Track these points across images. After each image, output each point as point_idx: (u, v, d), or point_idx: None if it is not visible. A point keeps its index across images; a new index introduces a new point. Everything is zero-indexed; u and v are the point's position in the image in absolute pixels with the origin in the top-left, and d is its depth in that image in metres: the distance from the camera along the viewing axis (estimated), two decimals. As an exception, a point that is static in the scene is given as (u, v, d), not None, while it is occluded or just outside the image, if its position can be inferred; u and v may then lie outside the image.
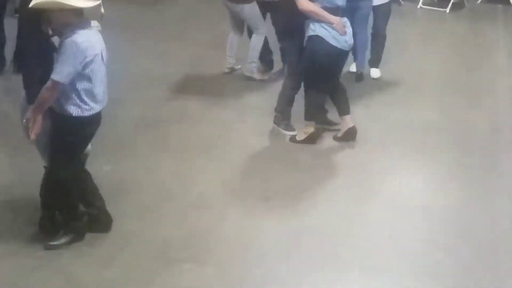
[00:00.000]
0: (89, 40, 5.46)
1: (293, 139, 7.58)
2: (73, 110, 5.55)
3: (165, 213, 6.33)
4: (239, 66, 9.06)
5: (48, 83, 5.38)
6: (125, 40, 9.60)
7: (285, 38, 7.67)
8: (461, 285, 5.50)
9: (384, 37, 8.68)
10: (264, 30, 8.82)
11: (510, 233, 6.14)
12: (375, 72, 9.10)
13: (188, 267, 5.62)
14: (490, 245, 5.98)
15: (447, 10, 11.13)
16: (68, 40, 5.37)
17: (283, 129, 7.70)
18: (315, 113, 7.55)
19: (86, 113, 5.60)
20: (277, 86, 8.32)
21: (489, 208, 6.48)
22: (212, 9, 8.75)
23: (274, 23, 7.84)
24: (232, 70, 9.18)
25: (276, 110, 7.73)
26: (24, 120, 5.57)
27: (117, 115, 7.92)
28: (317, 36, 7.06)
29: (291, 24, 7.39)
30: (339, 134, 7.55)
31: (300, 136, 7.55)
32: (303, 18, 7.15)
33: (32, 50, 5.70)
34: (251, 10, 8.69)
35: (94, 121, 5.73)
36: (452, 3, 11.18)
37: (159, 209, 6.38)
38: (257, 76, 9.01)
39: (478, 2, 11.56)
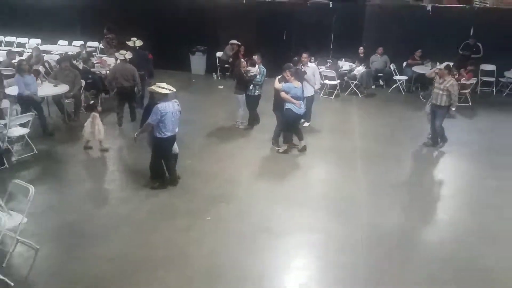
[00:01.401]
0: (164, 106, 5.53)
1: (278, 151, 7.36)
2: (157, 134, 5.65)
3: (213, 183, 6.26)
4: (245, 122, 8.53)
5: (147, 123, 5.60)
6: (197, 107, 9.59)
7: (277, 109, 7.41)
8: (345, 220, 5.46)
9: (310, 110, 8.55)
10: (245, 108, 8.29)
11: (357, 191, 6.18)
12: (306, 124, 8.67)
13: (223, 205, 5.67)
14: (350, 196, 6.01)
15: (332, 97, 11.05)
16: (155, 106, 5.55)
17: (275, 146, 7.47)
18: (288, 140, 7.36)
19: (163, 136, 5.66)
20: (262, 131, 8.27)
21: (350, 180, 6.50)
22: (233, 97, 8.70)
23: (273, 104, 7.49)
24: (237, 127, 8.47)
25: (273, 138, 7.54)
26: (136, 135, 5.84)
27: (193, 139, 7.87)
28: (288, 108, 7.03)
29: (279, 104, 7.23)
30: (299, 148, 7.39)
31: (281, 150, 7.36)
32: (283, 101, 7.08)
33: (149, 108, 5.72)
34: (241, 99, 8.19)
35: (168, 139, 5.73)
36: (335, 94, 11.08)
37: (209, 181, 6.31)
38: (240, 126, 8.43)
39: (345, 94, 11.39)
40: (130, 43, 9.37)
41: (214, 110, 9.84)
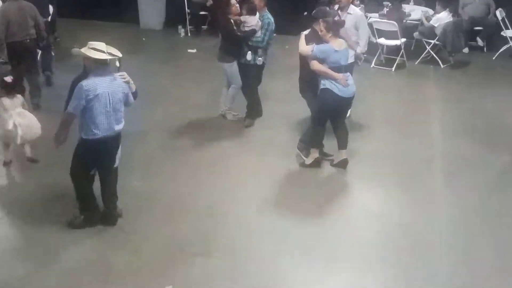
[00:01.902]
0: (93, 84, 5.56)
1: (303, 164, 7.45)
2: (83, 134, 5.75)
3: (180, 222, 6.28)
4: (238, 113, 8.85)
5: (66, 113, 5.69)
6: (154, 86, 9.67)
7: (307, 90, 7.47)
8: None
9: None
10: (238, 86, 8.54)
11: (432, 232, 6.20)
12: None
13: (197, 260, 5.65)
14: (420, 240, 6.07)
15: (393, 69, 11.17)
16: (79, 83, 5.59)
17: (303, 155, 7.54)
18: (317, 143, 7.46)
19: (91, 137, 5.71)
20: (265, 127, 8.58)
21: (421, 214, 6.54)
22: (216, 67, 8.80)
23: (299, 81, 7.63)
24: (224, 116, 8.87)
25: (301, 140, 7.62)
26: (54, 136, 5.82)
27: (147, 142, 7.97)
28: (326, 88, 7.06)
29: (311, 81, 7.26)
30: (335, 162, 7.50)
31: (308, 161, 7.44)
32: (317, 76, 7.13)
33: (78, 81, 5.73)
34: (230, 68, 8.41)
35: (99, 143, 5.76)
36: (397, 63, 11.22)
37: (173, 218, 6.34)
38: (228, 116, 8.79)
39: (416, 63, 11.57)
40: None
41: (182, 90, 9.97)
